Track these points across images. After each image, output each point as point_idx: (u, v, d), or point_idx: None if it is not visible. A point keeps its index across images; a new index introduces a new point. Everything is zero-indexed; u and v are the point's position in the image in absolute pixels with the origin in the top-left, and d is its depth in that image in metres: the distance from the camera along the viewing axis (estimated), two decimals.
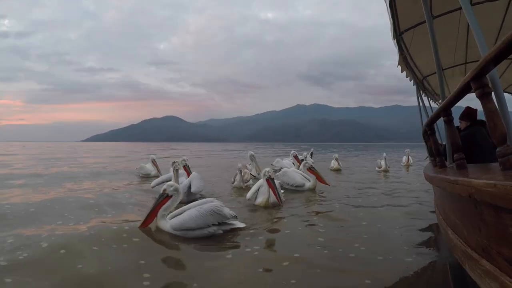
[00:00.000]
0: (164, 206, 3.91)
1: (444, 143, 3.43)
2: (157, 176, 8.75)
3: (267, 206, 5.22)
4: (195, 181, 6.05)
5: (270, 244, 3.44)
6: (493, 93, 1.60)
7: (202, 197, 5.83)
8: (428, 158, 13.80)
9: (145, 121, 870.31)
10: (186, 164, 7.16)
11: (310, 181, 7.03)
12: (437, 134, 3.38)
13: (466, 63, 5.55)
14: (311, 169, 7.08)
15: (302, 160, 9.62)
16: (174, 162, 5.45)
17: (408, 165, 13.58)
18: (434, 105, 7.42)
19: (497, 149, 1.52)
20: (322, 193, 6.64)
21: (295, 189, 6.94)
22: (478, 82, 1.56)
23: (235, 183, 7.16)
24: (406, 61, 5.20)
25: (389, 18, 3.84)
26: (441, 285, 2.50)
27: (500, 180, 1.26)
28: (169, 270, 2.85)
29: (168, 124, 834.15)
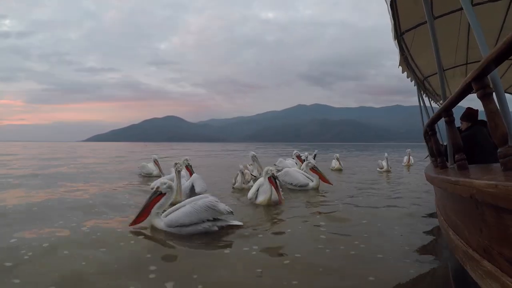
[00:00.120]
0: (157, 204, 3.84)
1: (445, 144, 3.43)
2: (159, 176, 8.77)
3: (269, 205, 5.23)
4: (198, 181, 6.06)
5: (270, 243, 3.43)
6: (494, 93, 1.60)
7: None
8: (428, 158, 13.73)
9: (146, 121, 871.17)
10: (188, 164, 7.16)
11: (313, 181, 7.05)
12: (438, 134, 3.38)
13: (467, 63, 5.54)
14: (314, 169, 7.10)
15: (304, 160, 9.60)
16: (176, 164, 5.44)
17: (409, 165, 13.55)
18: (435, 106, 7.41)
19: (498, 150, 1.52)
20: (324, 193, 6.64)
21: (299, 189, 6.94)
22: (479, 82, 1.56)
23: (236, 184, 7.14)
24: (407, 62, 5.20)
25: (390, 18, 3.84)
26: (442, 286, 2.50)
27: (502, 180, 1.26)
28: (167, 269, 2.84)
29: (169, 124, 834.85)
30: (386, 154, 11.71)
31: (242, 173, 7.08)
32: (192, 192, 5.67)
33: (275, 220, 4.38)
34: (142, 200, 5.59)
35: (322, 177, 7.09)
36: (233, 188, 7.11)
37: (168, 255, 3.13)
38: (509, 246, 1.34)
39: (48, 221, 4.09)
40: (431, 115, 3.82)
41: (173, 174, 5.77)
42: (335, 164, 12.16)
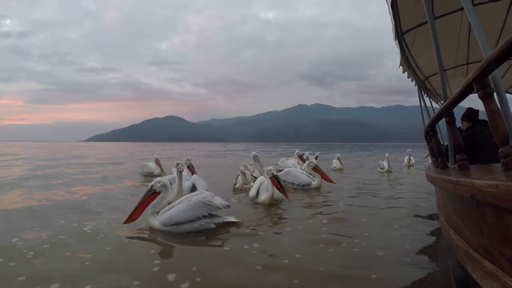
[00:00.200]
0: (152, 203, 3.79)
1: (446, 144, 3.43)
2: (160, 176, 8.77)
3: (271, 203, 5.24)
4: (199, 181, 6.08)
5: (271, 241, 3.44)
6: (495, 93, 1.60)
7: None
8: (427, 157, 13.73)
9: (146, 121, 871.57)
10: (190, 164, 7.15)
11: (315, 180, 7.07)
12: (439, 134, 3.38)
13: (468, 63, 5.54)
14: (316, 168, 7.12)
15: (306, 159, 9.58)
16: (178, 164, 5.43)
17: (410, 165, 13.53)
18: (436, 106, 7.41)
19: (499, 150, 1.52)
20: (325, 192, 6.67)
21: (301, 188, 6.96)
22: (480, 82, 1.56)
23: (237, 184, 7.13)
24: (408, 62, 5.20)
25: (391, 18, 3.84)
26: (442, 286, 2.50)
27: (503, 180, 1.26)
28: (168, 263, 2.90)
29: (169, 124, 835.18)
30: (387, 154, 11.65)
31: (244, 173, 7.07)
32: (192, 192, 5.66)
33: (276, 219, 4.39)
34: None
35: (324, 176, 7.12)
36: (234, 188, 7.11)
37: (169, 251, 3.20)
38: (510, 246, 1.34)
39: (49, 222, 4.11)
40: (432, 115, 3.82)
41: (175, 174, 5.76)
42: (336, 164, 12.14)
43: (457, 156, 2.22)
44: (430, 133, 3.16)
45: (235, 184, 7.25)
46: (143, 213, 3.84)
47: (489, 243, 1.53)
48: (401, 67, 5.41)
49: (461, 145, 2.22)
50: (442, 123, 2.78)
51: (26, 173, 10.10)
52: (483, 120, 3.55)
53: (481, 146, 3.23)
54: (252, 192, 5.53)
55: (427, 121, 4.12)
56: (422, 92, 5.74)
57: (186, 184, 5.98)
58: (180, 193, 5.16)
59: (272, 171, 5.30)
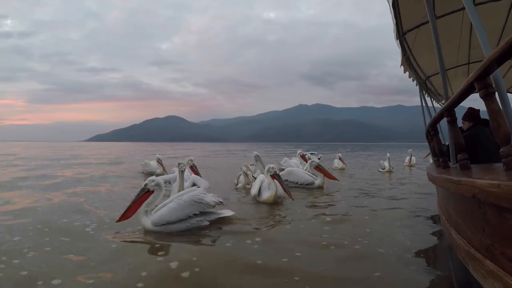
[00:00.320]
0: (145, 202, 3.74)
1: (447, 144, 3.42)
2: (162, 175, 8.78)
3: (275, 201, 5.24)
4: (201, 181, 6.11)
5: (272, 238, 3.47)
6: (496, 93, 1.60)
7: None
8: (428, 157, 13.66)
9: (147, 121, 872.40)
10: (193, 164, 7.15)
11: (318, 179, 7.10)
12: (440, 134, 3.38)
13: (469, 63, 5.53)
14: (318, 167, 7.16)
15: (309, 159, 9.60)
16: (179, 164, 5.43)
17: (411, 165, 13.53)
18: (437, 106, 7.40)
19: (500, 150, 1.52)
20: (327, 191, 6.72)
21: (305, 187, 6.98)
22: (481, 82, 1.56)
23: (240, 184, 7.12)
24: (409, 62, 5.19)
25: (392, 18, 3.84)
26: (444, 285, 2.50)
27: (504, 180, 1.26)
28: (172, 254, 2.98)
29: (170, 124, 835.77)
30: (388, 155, 11.67)
31: (246, 174, 7.06)
32: None
33: (278, 218, 4.42)
34: None
35: (327, 174, 7.19)
36: (236, 188, 7.12)
37: (172, 244, 3.27)
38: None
39: (51, 221, 4.12)
40: (433, 115, 3.82)
41: (175, 174, 5.77)
42: (338, 164, 12.15)
43: (458, 156, 2.22)
44: (432, 132, 3.15)
45: (237, 184, 7.25)
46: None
47: (491, 242, 1.53)
48: (402, 67, 5.41)
49: (462, 144, 2.22)
50: (443, 123, 2.77)
51: (25, 174, 10.09)
52: (485, 119, 3.55)
53: (482, 146, 3.22)
54: (254, 190, 5.49)
55: (428, 121, 4.12)
56: (423, 92, 5.74)
57: (186, 184, 5.99)
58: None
59: (274, 169, 5.29)
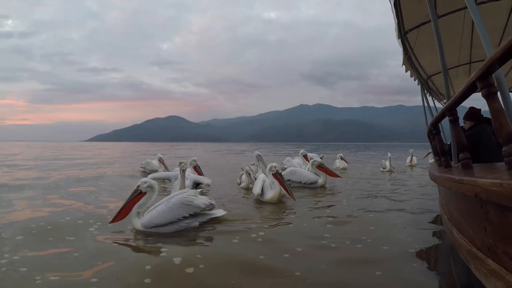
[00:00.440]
0: (137, 204, 3.72)
1: (448, 143, 3.42)
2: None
3: (279, 201, 5.24)
4: (202, 177, 6.16)
5: (275, 238, 3.47)
6: (498, 92, 1.60)
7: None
8: (427, 156, 13.66)
9: (148, 121, 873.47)
10: (196, 164, 7.14)
11: (320, 178, 7.12)
12: (441, 134, 3.38)
13: (470, 62, 5.53)
14: (320, 166, 7.17)
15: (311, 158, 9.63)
16: (181, 163, 5.44)
17: (412, 165, 13.52)
18: (439, 105, 7.39)
19: (503, 149, 1.52)
20: (329, 191, 6.74)
21: (308, 187, 6.99)
22: (484, 81, 1.56)
23: (243, 184, 7.10)
24: (410, 61, 5.19)
25: (394, 17, 3.84)
26: (445, 285, 2.50)
27: (506, 179, 1.26)
28: (175, 250, 3.01)
29: (171, 124, 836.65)
30: (389, 154, 11.79)
31: (249, 173, 7.05)
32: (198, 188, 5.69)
33: (281, 217, 4.43)
34: None
35: (330, 172, 7.21)
36: (239, 188, 7.12)
37: (175, 242, 3.31)
38: None
39: (55, 219, 4.14)
40: (435, 114, 3.82)
41: (176, 173, 5.77)
42: (339, 164, 12.15)
43: (460, 155, 2.22)
44: (433, 132, 3.16)
45: (240, 183, 7.24)
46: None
47: (493, 241, 1.53)
48: (403, 66, 5.41)
49: (464, 144, 2.22)
50: (445, 123, 2.77)
51: (33, 175, 10.08)
52: (487, 118, 3.55)
53: (484, 145, 3.22)
54: (257, 189, 5.41)
55: (430, 120, 4.12)
56: (425, 91, 5.74)
57: (187, 182, 5.99)
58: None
59: (276, 168, 5.29)
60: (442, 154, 2.96)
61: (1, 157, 19.35)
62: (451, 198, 2.47)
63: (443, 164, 2.91)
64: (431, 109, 5.47)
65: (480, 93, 1.63)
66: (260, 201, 5.41)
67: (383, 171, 11.30)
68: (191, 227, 3.64)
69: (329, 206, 5.19)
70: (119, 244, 3.26)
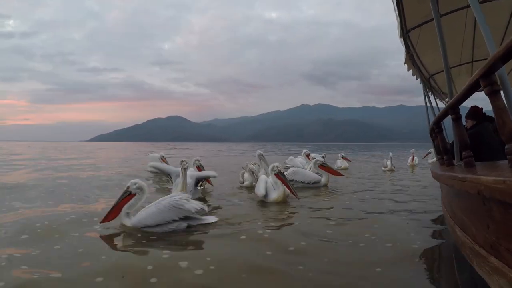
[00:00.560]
0: (127, 205, 3.76)
1: (450, 142, 3.42)
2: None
3: (284, 200, 5.24)
4: (206, 172, 6.21)
5: (279, 237, 3.49)
6: (501, 91, 1.60)
7: (205, 197, 5.95)
8: (427, 156, 13.69)
9: (149, 121, 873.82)
10: (200, 164, 7.14)
11: (323, 177, 7.16)
12: (443, 132, 3.38)
13: (472, 61, 5.53)
14: (322, 165, 7.22)
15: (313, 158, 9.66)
16: (182, 161, 5.44)
17: (413, 165, 13.53)
18: (440, 104, 7.39)
19: (505, 146, 1.52)
20: (332, 190, 6.76)
21: (311, 186, 7.01)
22: (487, 79, 1.57)
23: (246, 182, 7.09)
24: (412, 60, 5.19)
25: (396, 16, 3.85)
26: (447, 283, 2.50)
27: (509, 177, 1.27)
28: (179, 252, 3.02)
29: (172, 124, 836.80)
30: (390, 154, 12.07)
31: (252, 172, 7.04)
32: (195, 189, 5.68)
33: (285, 217, 4.44)
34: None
35: (332, 171, 7.27)
36: (241, 186, 7.14)
37: (175, 242, 3.32)
38: None
39: (59, 218, 4.16)
40: (437, 113, 3.82)
41: (178, 169, 5.74)
42: (341, 163, 12.19)
43: (463, 153, 2.22)
44: (436, 130, 3.15)
45: (243, 182, 7.23)
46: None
47: (496, 239, 1.54)
48: (406, 64, 5.42)
49: (467, 142, 2.22)
50: (447, 122, 2.77)
51: (38, 176, 10.11)
52: (489, 117, 3.55)
53: (486, 144, 3.22)
54: (261, 191, 5.36)
55: (432, 119, 4.12)
56: (427, 90, 5.74)
57: (189, 180, 5.94)
58: (184, 190, 5.19)
59: (278, 168, 5.29)
60: (444, 152, 2.96)
61: (1, 157, 19.38)
62: (453, 196, 2.47)
63: (446, 163, 2.91)
64: (433, 108, 5.47)
65: (480, 93, 1.64)
66: (263, 201, 5.40)
67: (384, 170, 11.43)
68: (179, 229, 3.63)
69: (331, 206, 5.18)
70: (120, 244, 3.27)
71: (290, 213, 4.62)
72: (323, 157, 11.89)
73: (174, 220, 3.60)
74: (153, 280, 2.37)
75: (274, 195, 5.27)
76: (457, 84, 6.44)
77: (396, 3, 3.53)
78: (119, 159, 18.64)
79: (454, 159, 3.01)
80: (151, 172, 9.79)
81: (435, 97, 6.85)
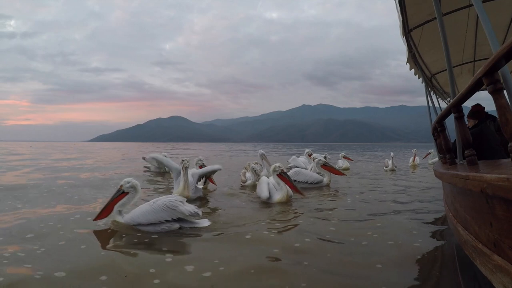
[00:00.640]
0: (119, 203, 3.78)
1: (452, 141, 3.42)
2: (167, 172, 8.86)
3: (288, 200, 5.24)
4: (210, 167, 6.26)
5: (282, 236, 3.50)
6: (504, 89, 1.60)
7: (206, 196, 5.96)
8: (427, 157, 13.70)
9: (151, 121, 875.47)
10: (203, 164, 7.17)
11: (325, 177, 7.18)
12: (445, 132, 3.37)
13: (474, 61, 5.52)
14: (325, 165, 7.25)
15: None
16: (183, 160, 5.45)
17: (414, 165, 13.52)
18: (442, 104, 7.37)
19: (508, 144, 1.53)
20: (334, 190, 6.78)
21: (314, 186, 7.02)
22: (490, 78, 1.57)
23: (249, 181, 7.09)
24: (414, 59, 5.18)
25: (398, 15, 3.84)
26: (450, 281, 2.50)
27: None
28: (182, 256, 2.99)
29: (174, 124, 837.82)
30: (392, 154, 12.15)
31: (255, 171, 7.04)
32: (196, 188, 5.69)
33: (288, 217, 4.44)
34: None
35: (334, 171, 7.32)
36: (243, 186, 7.16)
37: (177, 241, 3.36)
38: None
39: (63, 218, 4.18)
40: (439, 113, 3.82)
41: (178, 166, 5.75)
42: (342, 163, 12.20)
43: (466, 152, 2.22)
44: (439, 129, 3.15)
45: (245, 181, 7.23)
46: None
47: (499, 237, 1.54)
48: (408, 64, 5.40)
49: (470, 140, 2.22)
50: (448, 121, 2.77)
51: (40, 176, 10.13)
52: (491, 115, 3.54)
53: (488, 143, 3.22)
54: (265, 193, 5.30)
55: (434, 118, 4.12)
56: (429, 90, 5.73)
57: (190, 179, 5.93)
58: (185, 188, 5.20)
59: (280, 167, 5.28)
60: (447, 151, 2.95)
61: (2, 157, 19.44)
62: (456, 195, 2.47)
63: (448, 161, 2.91)
64: (435, 108, 5.46)
65: (480, 93, 1.64)
66: (265, 202, 5.35)
67: (386, 170, 11.47)
68: (171, 230, 3.62)
69: (334, 207, 5.18)
70: (122, 244, 3.27)
71: (293, 214, 4.61)
72: (324, 158, 11.90)
73: (167, 221, 3.60)
74: (156, 281, 2.36)
75: (278, 196, 5.24)
76: (459, 83, 6.43)
77: (398, 2, 3.52)
78: (120, 159, 18.65)
79: (456, 158, 3.01)
80: (148, 169, 9.89)
81: (437, 97, 6.83)
